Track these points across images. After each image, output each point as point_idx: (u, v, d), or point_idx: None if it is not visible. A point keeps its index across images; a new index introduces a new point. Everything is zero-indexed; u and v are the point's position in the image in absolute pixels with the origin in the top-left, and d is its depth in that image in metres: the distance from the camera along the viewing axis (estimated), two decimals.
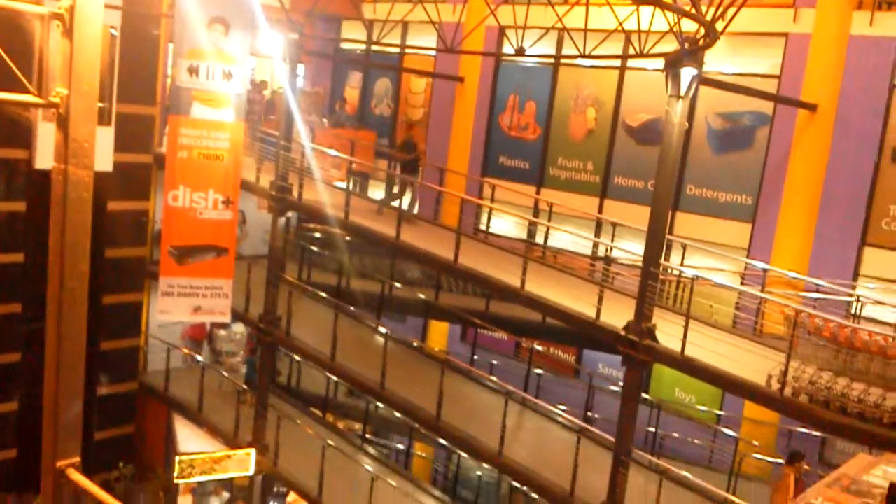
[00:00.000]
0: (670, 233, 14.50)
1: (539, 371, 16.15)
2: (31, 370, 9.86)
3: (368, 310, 17.03)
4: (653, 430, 14.70)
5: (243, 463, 15.43)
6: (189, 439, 16.72)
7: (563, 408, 14.27)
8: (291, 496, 16.75)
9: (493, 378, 15.01)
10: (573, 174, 17.35)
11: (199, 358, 18.37)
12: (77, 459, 5.54)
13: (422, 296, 16.95)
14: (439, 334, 19.43)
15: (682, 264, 14.09)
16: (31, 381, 10.69)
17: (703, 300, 12.37)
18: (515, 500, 16.51)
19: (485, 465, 16.26)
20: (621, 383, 12.55)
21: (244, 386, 16.49)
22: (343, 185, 16.03)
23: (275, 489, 16.93)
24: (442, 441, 15.54)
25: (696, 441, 14.82)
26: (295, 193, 14.85)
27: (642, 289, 10.78)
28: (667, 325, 11.05)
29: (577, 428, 13.34)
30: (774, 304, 11.38)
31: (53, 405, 5.48)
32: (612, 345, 11.26)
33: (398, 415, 15.60)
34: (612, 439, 11.64)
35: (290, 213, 16.52)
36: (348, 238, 17.03)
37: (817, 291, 13.05)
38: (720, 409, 15.53)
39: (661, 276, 11.17)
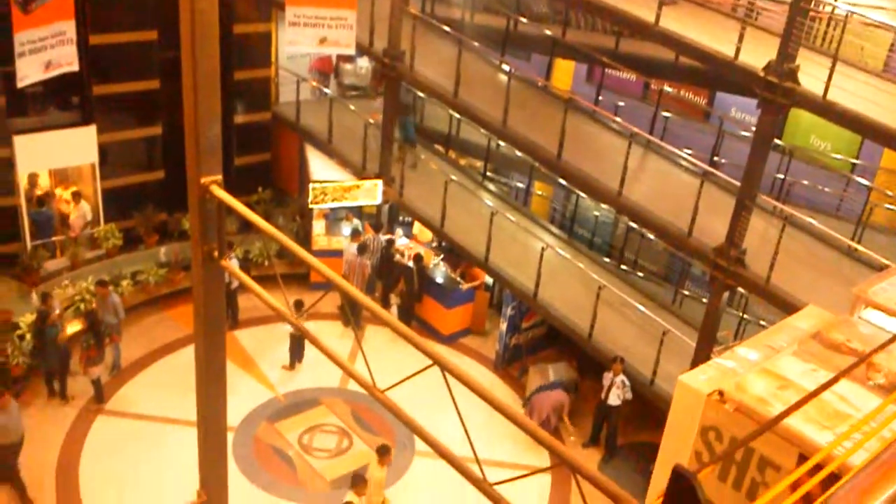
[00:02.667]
0: None
1: (667, 114, 15.69)
2: (171, 97, 10.38)
3: (492, 46, 16.65)
4: (781, 176, 14.32)
5: (371, 192, 16.23)
6: (321, 168, 17.58)
7: (689, 152, 13.99)
8: (416, 226, 17.69)
9: (618, 119, 14.72)
10: None
11: (327, 91, 18.78)
12: (219, 177, 5.94)
13: (548, 32, 16.35)
14: (564, 73, 18.93)
15: None
16: (171, 107, 11.30)
17: (854, 39, 11.38)
18: (631, 239, 16.86)
19: (603, 206, 16.48)
20: (753, 129, 12.10)
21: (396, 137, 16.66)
22: None
23: (400, 218, 17.88)
24: (561, 180, 15.74)
25: (825, 189, 14.40)
26: None
27: (788, 26, 9.98)
28: (811, 66, 10.33)
29: (701, 171, 13.15)
30: None
31: (194, 126, 5.81)
32: (748, 87, 10.71)
33: (519, 153, 15.75)
34: (738, 184, 11.47)
35: None
36: None
37: None
38: (856, 158, 14.86)
39: (811, 13, 10.26)
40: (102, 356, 13.31)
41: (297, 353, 14.68)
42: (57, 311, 13.24)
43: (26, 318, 13.34)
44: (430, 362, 4.84)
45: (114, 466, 12.18)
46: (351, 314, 13.97)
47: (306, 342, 15.39)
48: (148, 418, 13.20)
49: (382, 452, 11.18)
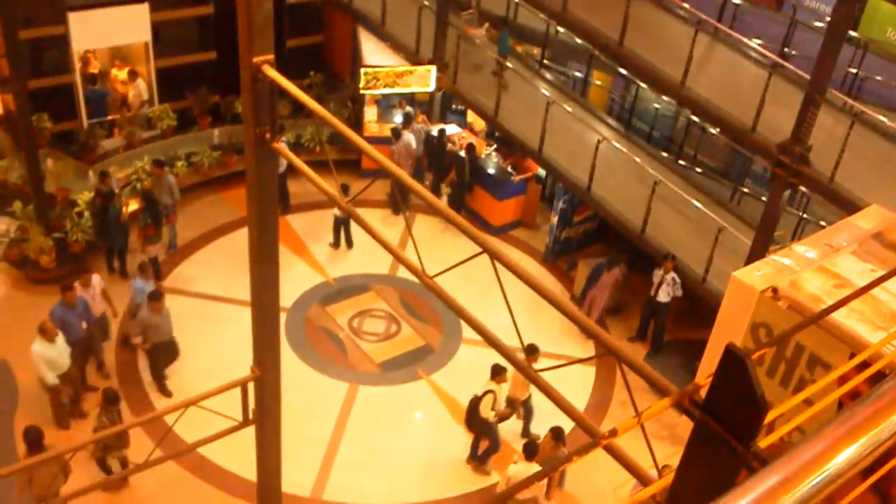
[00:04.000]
0: None
1: (737, 0, 14.89)
2: None
3: None
4: (854, 71, 13.63)
5: (424, 79, 15.94)
6: (374, 53, 17.27)
7: (759, 42, 13.34)
8: (470, 115, 17.41)
9: (685, 5, 14.02)
10: None
11: None
12: (271, 56, 5.84)
13: None
14: None
15: None
16: None
17: None
18: (691, 133, 16.39)
19: (664, 98, 15.96)
20: (828, 18, 11.43)
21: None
22: None
23: (453, 106, 17.60)
24: (622, 70, 15.21)
25: None
26: None
27: None
28: None
29: (770, 63, 12.57)
30: None
31: (246, 4, 5.67)
32: None
33: (578, 41, 15.20)
34: (807, 78, 10.95)
35: None
36: None
37: None
38: None
39: None
40: (160, 235, 13.63)
41: (341, 236, 14.95)
42: (115, 190, 13.52)
43: (84, 196, 13.66)
44: (479, 252, 4.81)
45: None
46: (401, 201, 14.00)
47: (355, 228, 15.59)
48: (203, 296, 13.60)
49: (530, 352, 10.69)
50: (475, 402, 10.97)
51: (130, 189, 14.35)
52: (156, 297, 11.29)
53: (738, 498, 1.56)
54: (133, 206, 13.98)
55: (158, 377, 11.86)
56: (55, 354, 10.43)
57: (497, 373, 10.88)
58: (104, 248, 13.68)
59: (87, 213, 13.48)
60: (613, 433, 3.00)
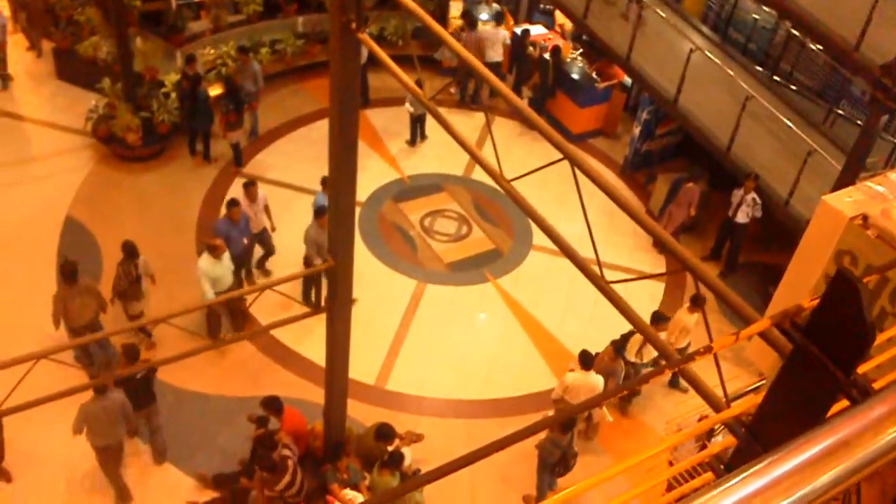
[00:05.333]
0: None
1: None
2: None
3: None
4: None
5: None
6: None
7: None
8: (559, 16, 16.87)
9: None
10: None
11: None
12: None
13: None
14: None
15: None
16: None
17: None
18: (790, 48, 15.58)
19: (764, 8, 15.14)
20: None
21: None
22: None
23: (541, 6, 17.05)
24: None
25: None
26: None
27: None
28: None
29: None
30: None
31: None
32: None
33: None
34: None
35: None
36: None
37: None
38: None
39: None
40: (241, 122, 13.83)
41: (416, 133, 14.93)
42: (201, 74, 13.68)
43: (171, 77, 13.87)
44: (559, 158, 4.74)
45: None
46: (471, 98, 13.77)
47: (433, 126, 15.51)
48: (280, 184, 13.85)
49: (695, 301, 10.51)
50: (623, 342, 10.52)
51: (215, 74, 14.48)
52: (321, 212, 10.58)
53: (841, 427, 1.52)
54: (215, 91, 14.15)
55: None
56: (220, 272, 10.37)
57: (657, 320, 10.27)
58: (188, 131, 13.96)
59: (173, 95, 13.72)
60: (709, 349, 2.95)
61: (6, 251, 11.96)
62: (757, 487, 1.45)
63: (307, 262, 10.95)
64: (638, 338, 10.43)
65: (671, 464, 7.87)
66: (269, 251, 12.05)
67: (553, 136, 4.68)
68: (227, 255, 10.46)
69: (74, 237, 12.34)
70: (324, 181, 10.99)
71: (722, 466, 3.22)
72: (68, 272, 9.71)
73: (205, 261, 10.30)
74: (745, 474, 1.48)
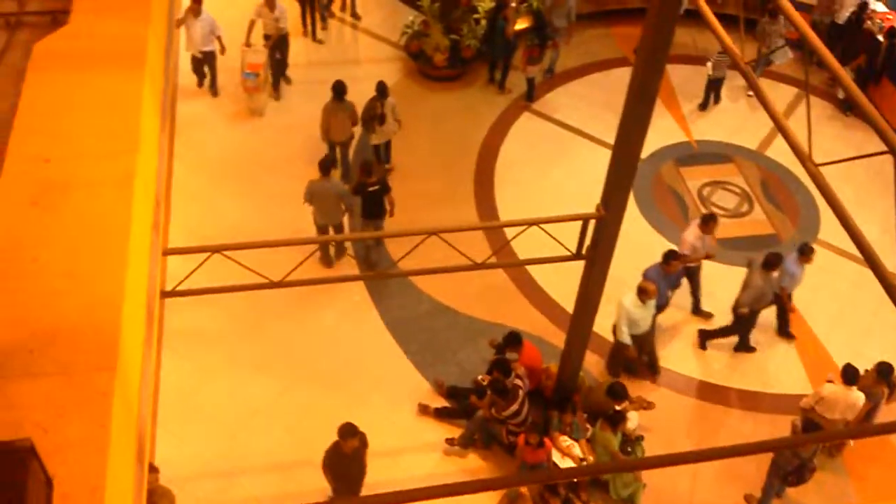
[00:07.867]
0: None
1: None
2: None
3: None
4: None
5: None
6: None
7: None
8: None
9: None
10: None
11: None
12: None
13: None
14: None
15: None
16: None
17: None
18: None
19: None
20: None
21: None
22: None
23: None
24: None
25: None
26: None
27: None
28: None
29: None
30: None
31: None
32: None
33: None
34: None
35: None
36: None
37: None
38: None
39: None
40: (542, 57, 13.94)
41: (710, 98, 14.45)
42: (513, 5, 13.90)
43: (485, 4, 14.24)
44: (882, 150, 4.29)
45: (527, 160, 13.23)
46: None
47: (727, 93, 14.67)
48: (567, 127, 13.87)
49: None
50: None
51: (526, 6, 14.65)
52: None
53: None
54: (523, 24, 14.32)
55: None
56: (639, 315, 9.82)
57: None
58: (489, 58, 14.34)
59: (483, 22, 14.11)
60: None
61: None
62: None
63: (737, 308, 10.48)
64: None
65: None
66: (697, 292, 11.27)
67: (883, 126, 4.24)
68: (651, 302, 9.87)
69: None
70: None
71: None
72: (337, 89, 11.46)
73: (630, 301, 9.76)
74: None
